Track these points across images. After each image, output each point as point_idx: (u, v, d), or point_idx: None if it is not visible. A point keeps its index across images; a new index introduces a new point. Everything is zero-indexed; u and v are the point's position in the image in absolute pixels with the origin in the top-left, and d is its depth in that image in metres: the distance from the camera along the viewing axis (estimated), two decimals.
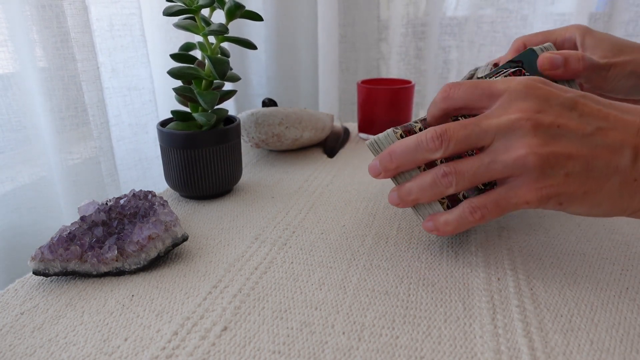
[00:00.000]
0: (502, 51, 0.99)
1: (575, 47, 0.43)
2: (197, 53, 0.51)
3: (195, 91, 0.47)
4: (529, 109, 0.29)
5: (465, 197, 0.36)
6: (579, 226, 0.42)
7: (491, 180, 0.31)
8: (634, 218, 0.30)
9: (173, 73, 0.47)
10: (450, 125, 0.31)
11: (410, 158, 0.33)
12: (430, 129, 0.32)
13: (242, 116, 0.61)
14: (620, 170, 0.28)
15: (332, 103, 1.02)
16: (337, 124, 0.78)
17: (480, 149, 0.31)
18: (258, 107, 0.93)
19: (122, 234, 0.37)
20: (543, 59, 0.38)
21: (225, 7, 0.47)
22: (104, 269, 0.36)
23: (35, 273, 0.35)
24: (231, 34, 0.47)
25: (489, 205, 0.31)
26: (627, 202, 0.29)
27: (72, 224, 0.38)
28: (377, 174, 0.35)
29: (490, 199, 0.31)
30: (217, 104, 0.50)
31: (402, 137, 0.36)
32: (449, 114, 0.34)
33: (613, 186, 0.28)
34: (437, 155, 0.32)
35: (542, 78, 0.32)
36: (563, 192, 0.29)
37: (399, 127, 0.36)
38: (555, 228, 0.42)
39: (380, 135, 0.36)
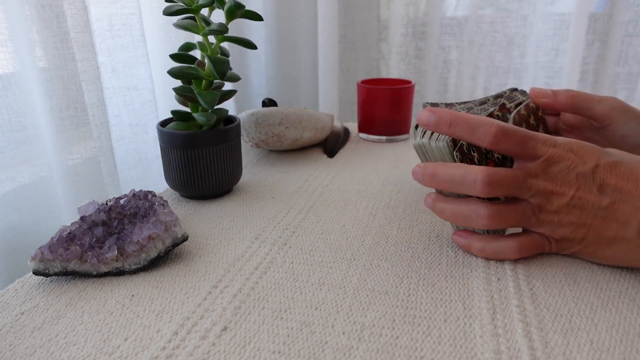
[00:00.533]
0: (502, 51, 0.99)
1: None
2: (196, 53, 0.51)
3: (195, 91, 0.47)
4: (569, 183, 0.33)
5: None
6: None
7: (519, 224, 0.35)
8: None
9: (173, 73, 0.47)
10: (504, 176, 0.33)
11: (452, 188, 0.35)
12: (483, 172, 0.33)
13: (242, 116, 0.61)
14: (626, 239, 0.33)
15: (332, 103, 1.02)
16: (337, 124, 0.78)
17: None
18: (258, 107, 0.93)
19: (122, 234, 0.37)
20: (534, 88, 0.47)
21: (226, 7, 0.47)
22: (104, 269, 0.36)
23: (35, 273, 0.35)
24: (231, 33, 0.47)
25: (532, 248, 0.36)
26: (635, 261, 0.34)
27: (72, 224, 0.38)
28: (417, 180, 0.37)
29: (534, 241, 0.36)
30: (217, 104, 0.50)
31: (456, 156, 0.35)
32: (491, 150, 0.36)
33: (620, 249, 0.33)
34: (479, 194, 0.33)
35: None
36: (577, 253, 0.36)
37: (455, 142, 0.35)
38: None
39: (432, 142, 0.36)
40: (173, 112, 0.50)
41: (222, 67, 0.46)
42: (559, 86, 0.96)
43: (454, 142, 0.35)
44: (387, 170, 0.58)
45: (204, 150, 0.47)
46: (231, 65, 0.48)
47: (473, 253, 0.38)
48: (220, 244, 0.41)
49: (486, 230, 0.37)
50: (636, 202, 0.32)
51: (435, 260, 0.37)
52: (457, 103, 0.48)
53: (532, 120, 0.47)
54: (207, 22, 0.47)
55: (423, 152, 0.37)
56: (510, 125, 0.34)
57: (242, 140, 0.60)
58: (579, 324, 0.30)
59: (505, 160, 0.38)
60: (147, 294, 0.34)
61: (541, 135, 0.34)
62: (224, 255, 0.39)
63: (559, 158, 0.33)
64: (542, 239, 0.36)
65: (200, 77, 0.48)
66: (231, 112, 0.96)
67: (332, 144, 0.67)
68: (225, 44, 0.79)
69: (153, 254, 0.37)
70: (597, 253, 0.35)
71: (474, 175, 0.33)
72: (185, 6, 0.45)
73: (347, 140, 0.71)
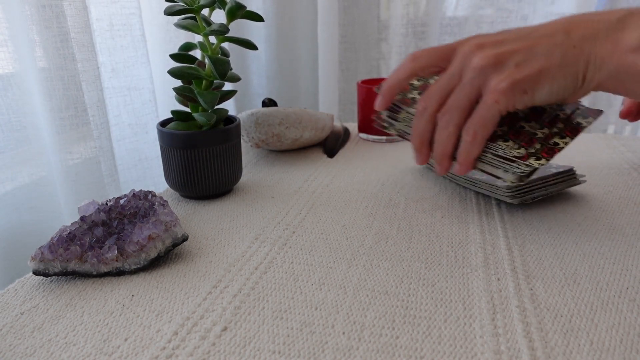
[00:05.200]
0: None
1: None
2: (196, 53, 0.51)
3: (195, 91, 0.47)
4: (474, 44, 0.36)
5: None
6: (579, 226, 0.42)
7: (470, 99, 0.36)
8: (593, 91, 0.35)
9: (173, 73, 0.47)
10: (430, 88, 0.38)
11: (424, 129, 0.39)
12: (419, 99, 0.39)
13: (242, 116, 0.61)
14: (558, 44, 0.34)
15: (332, 103, 1.02)
16: (337, 124, 0.78)
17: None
18: (258, 107, 0.93)
19: (122, 234, 0.37)
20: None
21: (227, 8, 0.47)
22: (104, 269, 0.36)
23: (35, 273, 0.35)
24: (231, 34, 0.47)
25: (475, 121, 0.36)
26: (575, 68, 0.34)
27: (72, 224, 0.38)
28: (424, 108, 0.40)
29: (473, 117, 0.36)
30: (217, 104, 0.50)
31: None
32: (415, 74, 0.40)
33: (558, 58, 0.34)
34: (429, 112, 0.38)
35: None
36: (519, 78, 0.34)
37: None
38: (556, 228, 0.42)
39: (401, 114, 0.44)
40: (173, 112, 0.50)
41: (222, 68, 0.46)
42: None
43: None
44: (387, 170, 0.58)
45: (204, 150, 0.47)
46: (231, 65, 0.48)
47: (463, 165, 0.38)
48: (220, 244, 0.41)
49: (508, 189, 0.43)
50: (556, 22, 0.36)
51: (435, 260, 0.37)
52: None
53: None
54: (208, 22, 0.47)
55: (403, 128, 0.44)
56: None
57: (242, 140, 0.60)
58: (579, 324, 0.30)
59: None
60: (147, 294, 0.34)
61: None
62: (224, 255, 0.39)
63: (471, 37, 0.38)
64: (481, 102, 0.36)
65: (201, 77, 0.48)
66: (231, 112, 0.96)
67: (332, 144, 0.67)
68: (225, 44, 0.79)
69: (153, 254, 0.37)
70: (541, 77, 0.34)
71: (418, 105, 0.39)
72: (186, 6, 0.45)
73: (347, 140, 0.71)
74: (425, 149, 0.40)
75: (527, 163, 0.36)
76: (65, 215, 0.58)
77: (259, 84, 1.03)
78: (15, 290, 0.35)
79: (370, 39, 1.04)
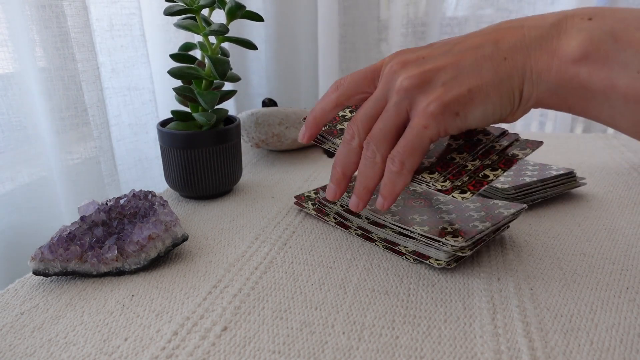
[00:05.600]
0: None
1: None
2: (196, 53, 0.51)
3: (195, 91, 0.47)
4: (397, 61, 0.33)
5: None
6: (579, 226, 0.42)
7: (396, 125, 0.32)
8: (533, 108, 0.31)
9: (173, 73, 0.47)
10: (355, 116, 0.35)
11: (349, 161, 0.35)
12: (346, 127, 0.35)
13: (242, 116, 0.61)
14: (487, 57, 0.30)
15: None
16: None
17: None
18: (258, 107, 0.93)
19: (122, 234, 0.37)
20: None
21: (226, 8, 0.47)
22: (104, 269, 0.36)
23: (35, 273, 0.35)
24: (230, 33, 0.47)
25: (401, 149, 0.32)
26: (509, 84, 0.29)
27: (72, 224, 0.38)
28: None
29: (399, 144, 0.32)
30: (217, 104, 0.50)
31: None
32: (341, 104, 0.36)
33: (489, 73, 0.29)
34: (356, 142, 0.34)
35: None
36: (449, 99, 0.30)
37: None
38: (556, 228, 0.42)
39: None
40: (173, 112, 0.50)
41: (222, 67, 0.46)
42: None
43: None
44: None
45: (204, 150, 0.47)
46: (231, 65, 0.48)
47: (386, 199, 0.34)
48: (220, 244, 0.41)
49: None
50: (480, 34, 0.31)
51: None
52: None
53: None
54: (208, 22, 0.47)
55: None
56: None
57: (242, 140, 0.60)
58: (578, 324, 0.30)
59: None
60: (147, 294, 0.34)
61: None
62: (224, 255, 0.39)
63: (394, 54, 0.34)
64: (409, 128, 0.32)
65: (201, 77, 0.48)
66: (231, 112, 0.96)
67: None
68: (225, 44, 0.79)
69: (153, 254, 0.37)
70: (472, 97, 0.30)
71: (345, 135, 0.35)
72: (186, 6, 0.45)
73: None
74: (345, 182, 0.36)
75: (452, 196, 0.33)
76: (65, 215, 0.58)
77: (259, 84, 1.03)
78: (16, 290, 0.35)
79: (370, 39, 1.04)
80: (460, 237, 0.35)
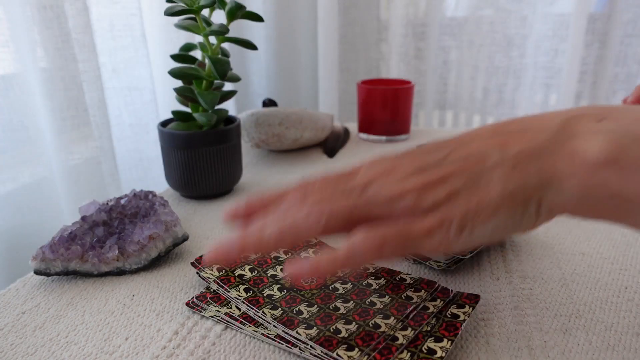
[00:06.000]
0: (501, 51, 0.99)
1: None
2: (197, 53, 0.51)
3: (195, 91, 0.47)
4: (383, 168, 0.28)
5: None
6: (578, 225, 0.43)
7: (372, 214, 0.26)
8: (552, 218, 0.26)
9: (174, 73, 0.47)
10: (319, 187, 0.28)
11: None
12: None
13: (242, 116, 0.61)
14: (496, 164, 0.26)
15: (332, 103, 1.02)
16: (337, 124, 0.78)
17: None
18: (258, 107, 0.93)
19: (123, 234, 0.37)
20: None
21: (227, 8, 0.47)
22: (105, 268, 0.36)
23: (37, 273, 0.35)
24: (231, 34, 0.47)
25: (388, 235, 0.25)
26: (522, 196, 0.25)
27: (73, 223, 0.38)
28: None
29: (390, 228, 0.25)
30: (218, 104, 0.50)
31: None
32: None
33: (498, 184, 0.25)
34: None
35: None
36: (455, 213, 0.25)
37: None
38: (555, 228, 0.42)
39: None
40: (174, 112, 0.50)
41: (222, 68, 0.46)
42: (557, 86, 0.96)
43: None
44: None
45: (204, 150, 0.47)
46: (231, 65, 0.48)
47: (319, 269, 0.25)
48: None
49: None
50: (477, 137, 0.27)
51: (435, 261, 0.38)
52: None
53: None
54: (208, 22, 0.48)
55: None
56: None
57: (242, 141, 0.60)
58: (577, 324, 0.30)
59: None
60: (147, 294, 0.34)
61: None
62: None
63: (374, 159, 0.29)
64: (407, 223, 0.26)
65: (201, 78, 0.48)
66: (231, 113, 0.96)
67: (332, 144, 0.68)
68: (225, 45, 0.79)
69: (154, 253, 0.37)
70: (481, 210, 0.25)
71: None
72: (186, 7, 0.45)
73: (347, 141, 0.71)
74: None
75: None
76: (66, 215, 0.59)
77: (259, 84, 1.03)
78: (17, 289, 0.35)
79: (370, 40, 1.04)
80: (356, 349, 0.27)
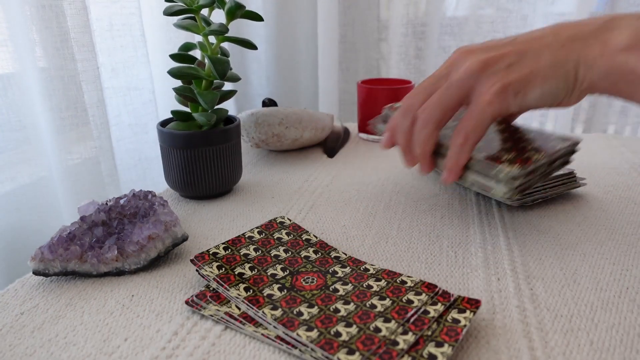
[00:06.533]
0: None
1: None
2: (196, 53, 0.51)
3: (195, 91, 0.47)
4: (462, 50, 0.36)
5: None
6: (579, 226, 0.42)
7: (455, 98, 0.35)
8: (587, 94, 0.34)
9: (173, 73, 0.47)
10: (414, 89, 0.38)
11: (404, 125, 0.38)
12: (404, 98, 0.39)
13: (242, 116, 0.61)
14: (547, 45, 0.34)
15: (332, 103, 1.02)
16: (337, 124, 0.78)
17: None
18: (258, 107, 0.93)
19: (122, 234, 0.37)
20: None
21: (226, 7, 0.47)
22: (104, 269, 0.36)
23: (35, 273, 0.35)
24: (230, 33, 0.47)
25: (466, 124, 0.35)
26: (565, 67, 0.33)
27: (72, 224, 0.38)
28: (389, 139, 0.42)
29: (464, 119, 0.35)
30: (217, 104, 0.50)
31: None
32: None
33: (548, 58, 0.33)
34: (413, 109, 0.37)
35: None
36: (511, 81, 0.33)
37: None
38: (556, 228, 0.42)
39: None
40: (173, 112, 0.50)
41: (222, 68, 0.46)
42: None
43: None
44: (387, 170, 0.58)
45: (204, 150, 0.47)
46: (231, 65, 0.48)
47: (453, 171, 0.37)
48: None
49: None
50: (541, 29, 0.35)
51: (435, 260, 0.37)
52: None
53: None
54: (208, 22, 0.47)
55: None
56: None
57: (242, 140, 0.60)
58: (578, 324, 0.30)
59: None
60: (147, 294, 0.34)
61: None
62: None
63: (459, 50, 0.37)
64: (473, 104, 0.35)
65: (201, 77, 0.48)
66: (231, 112, 0.96)
67: (332, 144, 0.67)
68: (225, 44, 0.79)
69: (153, 254, 0.37)
70: (532, 78, 0.33)
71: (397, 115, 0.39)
72: (186, 6, 0.45)
73: (347, 140, 0.71)
74: (411, 150, 0.39)
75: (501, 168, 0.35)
76: (65, 215, 0.58)
77: (259, 84, 1.03)
78: (15, 290, 0.35)
79: (370, 39, 1.04)
80: (516, 165, 0.36)
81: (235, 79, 0.50)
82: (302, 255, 0.37)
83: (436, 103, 0.36)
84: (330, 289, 0.32)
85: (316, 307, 0.30)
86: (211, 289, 0.33)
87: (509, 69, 0.33)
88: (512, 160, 0.36)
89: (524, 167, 0.36)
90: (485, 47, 0.35)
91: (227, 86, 0.83)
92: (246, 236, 0.39)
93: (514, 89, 0.33)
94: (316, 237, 0.40)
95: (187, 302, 0.32)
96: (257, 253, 0.36)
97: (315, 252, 0.37)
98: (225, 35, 0.47)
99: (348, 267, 0.35)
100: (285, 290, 0.32)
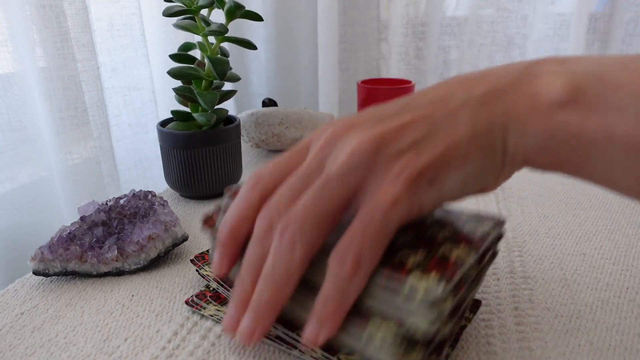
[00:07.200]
0: (502, 51, 0.99)
1: None
2: (196, 53, 0.51)
3: (195, 91, 0.47)
4: (339, 125, 0.25)
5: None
6: (579, 226, 0.42)
7: (338, 204, 0.23)
8: (521, 168, 0.25)
9: (173, 73, 0.47)
10: (272, 198, 0.25)
11: (255, 254, 0.25)
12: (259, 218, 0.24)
13: (242, 116, 0.61)
14: (461, 106, 0.24)
15: (332, 103, 1.02)
16: None
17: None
18: (258, 107, 0.93)
19: (122, 234, 0.37)
20: None
21: (225, 8, 0.47)
22: (103, 269, 0.36)
23: (35, 273, 0.35)
24: (230, 33, 0.47)
25: (357, 239, 0.22)
26: (490, 135, 0.23)
27: (72, 224, 0.38)
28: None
29: (353, 230, 0.22)
30: (217, 104, 0.50)
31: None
32: (263, 200, 0.25)
33: (466, 125, 0.23)
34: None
35: None
36: (424, 165, 0.23)
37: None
38: (556, 228, 0.42)
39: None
40: (173, 112, 0.50)
41: (221, 68, 0.46)
42: None
43: None
44: None
45: (204, 150, 0.47)
46: (231, 65, 0.48)
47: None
48: None
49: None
50: (440, 86, 0.25)
51: None
52: None
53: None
54: (207, 22, 0.47)
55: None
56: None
57: (242, 140, 0.60)
58: (578, 324, 0.30)
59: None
60: (147, 294, 0.34)
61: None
62: None
63: (330, 122, 0.26)
64: (367, 206, 0.23)
65: (200, 78, 0.48)
66: (231, 112, 0.96)
67: None
68: (225, 44, 0.79)
69: (153, 254, 0.37)
70: (449, 159, 0.23)
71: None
72: (185, 7, 0.45)
73: None
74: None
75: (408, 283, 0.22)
76: (65, 215, 0.58)
77: (259, 84, 1.03)
78: (15, 290, 0.35)
79: (370, 39, 1.04)
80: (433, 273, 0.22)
81: (235, 79, 0.50)
82: None
83: (308, 213, 0.23)
84: None
85: None
86: (211, 289, 0.33)
87: (415, 147, 0.23)
88: (423, 264, 0.23)
89: (444, 277, 0.22)
90: (371, 116, 0.24)
91: (227, 86, 0.83)
92: None
93: (428, 178, 0.23)
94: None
95: (187, 302, 0.32)
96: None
97: None
98: (225, 35, 0.47)
99: None
100: None
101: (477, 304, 0.30)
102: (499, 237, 0.28)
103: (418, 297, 0.22)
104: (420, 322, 0.22)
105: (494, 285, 0.34)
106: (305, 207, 0.23)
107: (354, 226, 0.22)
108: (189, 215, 0.47)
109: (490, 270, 0.36)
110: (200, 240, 0.42)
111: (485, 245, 0.26)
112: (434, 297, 0.21)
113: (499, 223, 0.28)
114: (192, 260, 0.35)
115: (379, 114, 0.24)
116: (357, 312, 0.24)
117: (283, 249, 0.23)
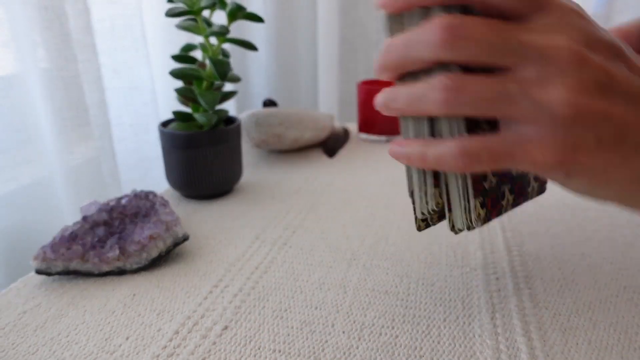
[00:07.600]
0: None
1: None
2: (197, 54, 0.51)
3: (196, 92, 0.47)
4: (579, 38, 0.22)
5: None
6: (578, 225, 0.43)
7: (504, 117, 0.22)
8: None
9: (174, 74, 0.47)
10: (470, 21, 0.21)
11: (404, 53, 0.23)
12: (437, 18, 0.21)
13: (242, 116, 0.61)
14: None
15: (332, 103, 1.02)
16: (337, 124, 0.78)
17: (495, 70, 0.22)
18: (258, 107, 0.93)
19: (123, 234, 0.38)
20: None
21: (227, 9, 0.47)
22: (105, 268, 0.36)
23: (38, 272, 0.35)
24: (231, 34, 0.47)
25: (483, 155, 0.22)
26: None
27: (74, 223, 0.38)
28: (380, 70, 0.25)
29: (487, 147, 0.22)
30: (218, 105, 0.50)
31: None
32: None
33: (638, 166, 0.21)
34: (437, 53, 0.21)
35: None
36: (583, 162, 0.21)
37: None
38: (555, 228, 0.42)
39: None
40: (174, 112, 0.50)
41: (223, 69, 0.46)
42: None
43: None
44: (387, 170, 0.59)
45: (204, 150, 0.47)
46: (232, 66, 0.48)
47: (414, 163, 0.25)
48: (220, 244, 0.41)
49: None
50: None
51: (435, 260, 0.38)
52: None
53: None
54: (209, 23, 0.48)
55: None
56: None
57: (242, 141, 0.60)
58: (577, 323, 0.30)
59: None
60: (148, 293, 0.34)
61: None
62: (224, 255, 0.39)
63: (578, 10, 0.24)
64: (516, 142, 0.22)
65: (201, 78, 0.48)
66: (232, 113, 0.96)
67: (332, 144, 0.68)
68: (226, 45, 0.79)
69: (154, 253, 0.37)
70: (601, 175, 0.22)
71: (431, 29, 0.21)
72: (187, 8, 0.45)
73: (347, 141, 0.72)
74: (392, 73, 0.25)
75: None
76: (67, 215, 0.59)
77: (259, 84, 1.03)
78: (18, 289, 0.35)
79: (370, 39, 1.05)
80: None
81: (235, 79, 0.50)
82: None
83: (477, 101, 0.21)
84: None
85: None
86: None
87: (598, 145, 0.21)
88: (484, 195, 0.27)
89: (488, 214, 0.28)
90: (606, 70, 0.21)
91: (228, 87, 0.83)
92: None
93: (571, 170, 0.21)
94: None
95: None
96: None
97: None
98: (226, 36, 0.47)
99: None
100: None
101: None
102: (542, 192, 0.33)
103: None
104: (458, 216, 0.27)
105: (493, 284, 0.34)
106: (478, 99, 0.21)
107: (495, 142, 0.22)
108: (189, 215, 0.47)
109: (488, 270, 0.36)
110: (200, 240, 0.42)
111: (525, 200, 0.31)
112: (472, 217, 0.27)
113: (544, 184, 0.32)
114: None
115: (610, 75, 0.21)
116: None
117: (434, 95, 0.22)
